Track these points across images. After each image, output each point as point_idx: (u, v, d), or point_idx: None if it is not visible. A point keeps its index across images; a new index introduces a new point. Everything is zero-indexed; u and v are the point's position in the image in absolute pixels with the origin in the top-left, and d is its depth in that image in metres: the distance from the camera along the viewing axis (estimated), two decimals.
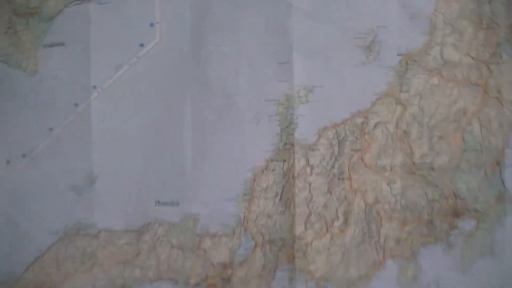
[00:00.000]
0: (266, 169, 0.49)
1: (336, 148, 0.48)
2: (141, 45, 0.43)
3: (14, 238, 0.46)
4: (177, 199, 0.48)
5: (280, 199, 0.47)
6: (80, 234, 0.47)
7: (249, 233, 0.48)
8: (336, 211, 0.47)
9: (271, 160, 0.49)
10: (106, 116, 0.47)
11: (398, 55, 0.41)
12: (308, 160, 0.48)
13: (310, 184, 0.48)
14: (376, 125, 0.46)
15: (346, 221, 0.47)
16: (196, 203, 0.48)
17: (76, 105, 0.46)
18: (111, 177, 0.48)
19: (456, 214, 0.41)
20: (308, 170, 0.48)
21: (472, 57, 0.39)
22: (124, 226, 0.48)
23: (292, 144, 0.48)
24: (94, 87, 0.45)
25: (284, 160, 0.48)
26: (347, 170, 0.47)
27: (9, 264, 0.45)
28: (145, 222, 0.48)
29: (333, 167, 0.48)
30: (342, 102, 0.47)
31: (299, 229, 0.47)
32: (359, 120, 0.47)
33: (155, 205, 0.47)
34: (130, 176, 0.48)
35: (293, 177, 0.49)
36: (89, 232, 0.48)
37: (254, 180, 0.49)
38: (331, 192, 0.48)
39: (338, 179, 0.47)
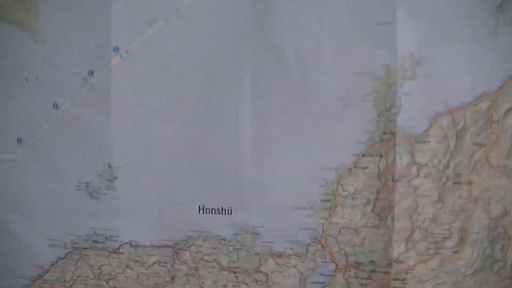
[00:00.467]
0: (355, 167, 0.51)
1: (452, 142, 0.50)
2: None
3: (10, 250, 0.52)
4: (229, 205, 0.53)
5: (373, 209, 0.51)
6: (96, 248, 0.53)
7: (328, 254, 0.52)
8: (449, 226, 0.51)
9: (363, 155, 0.51)
10: (131, 89, 0.50)
11: None
12: (413, 157, 0.51)
13: (415, 190, 0.51)
14: (507, 112, 0.48)
15: (462, 240, 0.50)
16: (255, 211, 0.52)
17: (91, 74, 0.50)
18: (137, 174, 0.52)
19: None
20: (414, 170, 0.51)
21: None
22: (155, 239, 0.53)
23: (393, 134, 0.50)
24: (116, 49, 0.49)
25: (381, 156, 0.50)
26: (466, 171, 0.50)
27: (6, 282, 0.52)
28: (184, 235, 0.53)
29: (447, 167, 0.50)
30: (462, 80, 0.48)
31: (397, 249, 0.50)
32: (485, 105, 0.48)
33: (199, 212, 0.53)
34: (163, 173, 0.52)
35: (392, 179, 0.51)
36: (108, 246, 0.53)
37: (338, 182, 0.52)
38: (443, 201, 0.50)
39: (454, 183, 0.50)
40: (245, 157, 0.52)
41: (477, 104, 0.49)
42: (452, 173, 0.51)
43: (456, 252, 0.50)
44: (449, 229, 0.51)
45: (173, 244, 0.53)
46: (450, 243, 0.50)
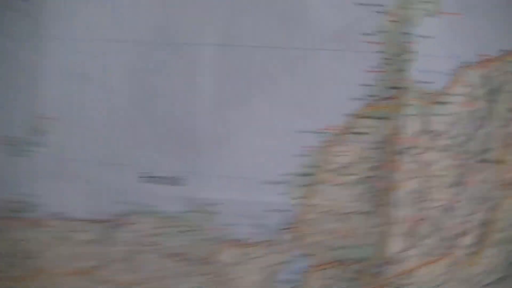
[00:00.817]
0: (347, 132, 0.45)
1: (482, 105, 0.45)
2: None
3: None
4: (180, 173, 0.45)
5: (367, 190, 0.45)
6: (13, 218, 0.47)
7: (304, 245, 0.46)
8: (468, 219, 0.45)
9: (359, 116, 0.45)
10: (65, 22, 0.45)
11: None
12: (428, 122, 0.45)
13: (426, 167, 0.45)
14: None
15: (482, 238, 0.45)
16: (213, 183, 0.45)
17: None
18: (70, 128, 0.46)
19: None
20: (427, 140, 0.45)
21: None
22: (86, 212, 0.46)
23: (403, 90, 0.44)
24: None
25: (384, 118, 0.45)
26: (498, 146, 0.45)
27: None
28: (123, 209, 0.46)
29: (472, 138, 0.45)
30: (503, 22, 0.44)
31: (396, 245, 0.45)
32: None
33: (141, 181, 0.46)
34: (103, 128, 0.45)
35: (397, 151, 0.45)
36: (29, 216, 0.47)
37: (324, 150, 0.46)
38: (463, 184, 0.45)
39: (480, 161, 0.45)
40: (204, 111, 0.47)
41: None
42: (478, 148, 0.45)
43: (473, 253, 0.44)
44: (467, 222, 0.44)
45: (109, 219, 0.46)
46: (466, 241, 0.44)
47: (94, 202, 0.48)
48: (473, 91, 0.45)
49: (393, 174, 0.45)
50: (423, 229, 0.46)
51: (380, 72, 0.45)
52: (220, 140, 0.46)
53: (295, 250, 0.47)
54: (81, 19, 0.47)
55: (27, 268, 0.49)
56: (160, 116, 0.47)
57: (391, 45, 0.45)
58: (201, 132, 0.47)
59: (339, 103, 0.45)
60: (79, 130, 0.48)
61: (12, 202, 0.49)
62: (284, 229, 0.45)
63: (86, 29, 0.47)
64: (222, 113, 0.46)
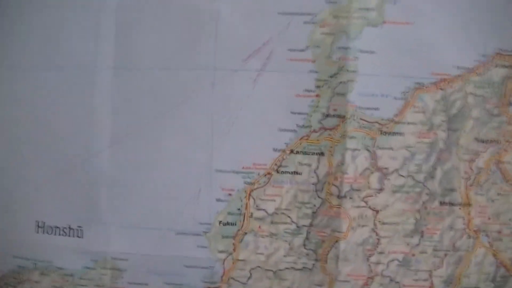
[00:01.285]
0: (277, 171, 0.38)
1: (441, 135, 0.38)
2: None
3: None
4: (78, 223, 0.41)
5: (305, 241, 0.39)
6: None
7: None
8: (430, 275, 0.39)
9: (291, 151, 0.38)
10: None
11: None
12: (376, 158, 0.38)
13: (376, 214, 0.38)
14: None
15: None
16: (116, 234, 0.40)
17: None
18: None
19: None
20: (375, 180, 0.38)
21: None
22: None
23: (342, 118, 0.38)
24: None
25: (321, 154, 0.38)
26: (463, 186, 0.38)
27: None
28: (16, 265, 0.41)
29: (431, 177, 0.38)
30: (462, 32, 0.37)
31: None
32: (498, 73, 0.37)
33: (37, 231, 0.41)
34: None
35: (338, 194, 0.38)
36: None
37: (249, 194, 0.39)
38: (422, 234, 0.38)
39: (442, 204, 0.38)
40: (102, 150, 0.40)
41: (484, 71, 0.37)
42: (439, 188, 0.38)
43: None
44: (428, 279, 0.39)
45: (3, 277, 0.41)
46: None
47: None
48: (429, 118, 0.38)
49: (335, 223, 0.39)
50: None
51: (314, 97, 0.38)
52: (121, 181, 0.40)
53: None
54: None
55: None
56: (54, 153, 0.40)
57: (325, 63, 0.38)
58: (98, 171, 0.40)
59: (265, 135, 0.39)
60: None
61: None
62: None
63: None
64: (121, 148, 0.40)
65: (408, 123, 0.38)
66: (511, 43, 0.37)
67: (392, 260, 0.39)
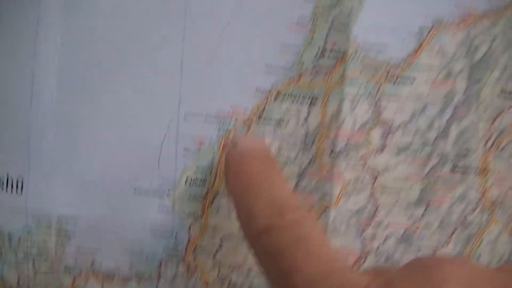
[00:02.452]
0: (259, 118, 0.34)
1: (461, 84, 0.33)
2: None
3: None
4: (17, 173, 0.36)
5: None
6: None
7: (199, 283, 0.37)
8: (435, 251, 0.38)
9: (276, 95, 0.33)
10: None
11: None
12: (379, 108, 0.33)
13: (375, 176, 0.34)
14: None
15: None
16: (62, 188, 0.36)
17: None
18: None
19: None
20: (377, 135, 0.33)
21: None
22: None
23: (343, 55, 0.33)
24: None
25: (313, 99, 0.33)
26: (481, 149, 0.34)
27: None
28: None
29: (445, 135, 0.34)
30: None
31: None
32: None
33: None
34: None
35: (331, 151, 0.34)
36: None
37: (223, 147, 0.34)
38: (428, 203, 0.34)
39: (454, 169, 0.34)
40: (49, 88, 0.35)
41: None
42: (452, 150, 0.33)
43: None
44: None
45: None
46: None
47: None
48: (448, 64, 0.33)
49: (327, 185, 0.34)
50: (370, 265, 0.36)
51: (308, 29, 0.33)
52: (70, 127, 0.35)
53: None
54: None
55: None
56: None
57: None
58: (43, 113, 0.35)
59: (247, 72, 0.33)
60: None
61: None
62: (169, 260, 0.36)
63: None
64: (71, 86, 0.35)
65: (422, 68, 0.33)
66: None
67: (391, 235, 0.35)
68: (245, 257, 0.35)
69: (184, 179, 0.34)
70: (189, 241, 0.35)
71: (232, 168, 0.31)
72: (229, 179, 0.31)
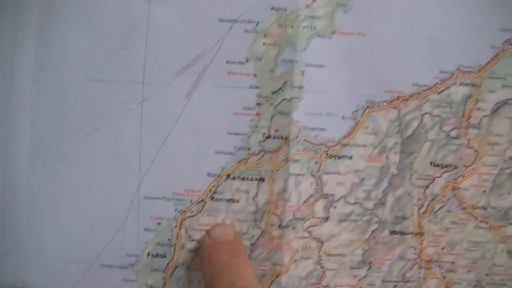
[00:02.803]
0: (212, 198, 0.36)
1: (394, 158, 0.36)
2: None
3: None
4: None
5: None
6: None
7: None
8: None
9: (227, 176, 0.36)
10: None
11: None
12: (321, 183, 0.36)
13: (320, 245, 0.36)
14: (500, 107, 0.36)
15: None
16: (34, 263, 0.38)
17: None
18: None
19: None
20: (321, 207, 0.36)
21: None
22: None
23: (285, 140, 0.35)
24: None
25: (260, 180, 0.36)
26: (416, 214, 0.37)
27: None
28: None
29: (382, 204, 0.36)
30: (421, 47, 0.35)
31: None
32: (460, 92, 0.35)
33: None
34: None
35: (280, 224, 0.36)
36: None
37: (180, 223, 0.36)
38: (370, 265, 0.37)
39: (392, 233, 0.37)
40: (20, 172, 0.36)
41: (444, 89, 0.36)
42: (390, 216, 0.37)
43: None
44: None
45: None
46: None
47: None
48: (381, 140, 0.36)
49: (276, 255, 0.36)
50: None
51: (254, 116, 0.36)
52: (41, 208, 0.36)
53: None
54: None
55: None
56: None
57: (267, 78, 0.35)
58: (15, 196, 0.37)
59: (198, 158, 0.36)
60: None
61: None
62: None
63: None
64: (41, 171, 0.36)
65: (358, 146, 0.36)
66: (473, 59, 0.35)
67: None
68: None
69: (146, 254, 0.36)
70: None
71: (205, 255, 0.34)
72: (202, 264, 0.34)
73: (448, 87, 0.35)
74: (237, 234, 0.35)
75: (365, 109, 0.35)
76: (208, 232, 0.34)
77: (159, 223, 0.35)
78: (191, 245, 0.36)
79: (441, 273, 0.37)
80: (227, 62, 0.34)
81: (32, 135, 0.36)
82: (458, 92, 0.35)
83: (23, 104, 0.35)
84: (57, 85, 0.35)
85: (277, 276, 0.36)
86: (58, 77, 0.35)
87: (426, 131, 0.36)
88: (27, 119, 0.36)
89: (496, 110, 0.36)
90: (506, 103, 0.36)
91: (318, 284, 0.37)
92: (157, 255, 0.36)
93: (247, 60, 0.34)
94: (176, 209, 0.35)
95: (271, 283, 0.36)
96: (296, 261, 0.36)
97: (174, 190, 0.35)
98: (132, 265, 0.36)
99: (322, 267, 0.36)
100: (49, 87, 0.35)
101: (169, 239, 0.36)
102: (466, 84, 0.35)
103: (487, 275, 0.37)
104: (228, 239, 0.34)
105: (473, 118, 0.36)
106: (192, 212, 0.35)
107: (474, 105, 0.36)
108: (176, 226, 0.35)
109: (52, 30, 0.35)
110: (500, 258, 0.37)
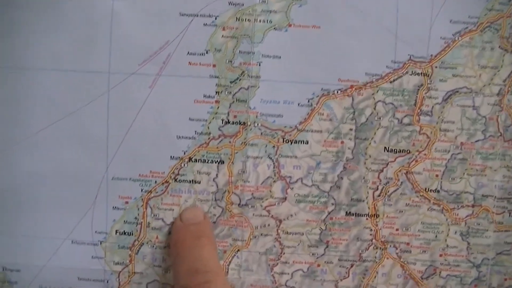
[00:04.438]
0: (175, 180, 0.40)
1: (348, 144, 0.40)
2: None
3: None
4: None
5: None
6: None
7: None
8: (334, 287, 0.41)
9: (189, 159, 0.40)
10: None
11: None
12: (278, 166, 0.40)
13: (279, 223, 0.41)
14: (451, 96, 0.40)
15: None
16: (11, 243, 0.42)
17: None
18: None
19: None
20: (278, 189, 0.40)
21: None
22: None
23: (243, 125, 0.39)
24: None
25: (220, 162, 0.40)
26: (370, 196, 0.40)
27: None
28: None
29: (337, 187, 0.40)
30: (373, 33, 0.39)
31: None
32: (412, 81, 0.40)
33: None
34: None
35: (239, 203, 0.41)
36: None
37: (146, 202, 0.40)
38: (327, 244, 0.41)
39: (348, 215, 0.41)
40: None
41: (396, 78, 0.40)
42: (345, 198, 0.41)
43: None
44: None
45: None
46: None
47: None
48: (336, 126, 0.40)
49: (237, 232, 0.41)
50: None
51: (213, 103, 0.40)
52: (12, 190, 0.41)
53: None
54: None
55: None
56: None
57: (226, 68, 0.39)
58: None
59: (162, 142, 0.40)
60: None
61: None
62: None
63: None
64: (9, 156, 0.40)
65: (314, 131, 0.39)
66: (424, 50, 0.38)
67: (297, 270, 0.41)
68: None
69: (114, 232, 0.40)
70: (119, 287, 0.40)
71: (173, 237, 0.38)
72: (170, 245, 0.38)
73: (400, 77, 0.38)
74: (207, 217, 0.39)
75: (320, 97, 0.38)
76: (179, 214, 0.38)
77: (126, 202, 0.39)
78: (156, 223, 0.39)
79: (397, 253, 0.41)
80: (188, 54, 0.38)
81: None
82: (410, 81, 0.39)
83: None
84: (22, 76, 0.39)
85: (238, 251, 0.40)
86: (23, 67, 0.38)
87: (379, 118, 0.39)
88: None
89: (447, 98, 0.39)
90: (457, 91, 0.39)
91: (277, 260, 0.40)
92: (124, 233, 0.40)
93: (207, 52, 0.38)
94: (142, 190, 0.39)
95: (232, 258, 0.40)
96: (256, 237, 0.40)
97: (140, 172, 0.39)
98: (101, 242, 0.40)
99: (280, 244, 0.40)
100: (14, 77, 0.39)
101: (135, 218, 0.39)
102: (417, 74, 0.39)
103: (441, 255, 0.41)
104: (196, 221, 0.38)
105: (425, 105, 0.39)
106: (157, 192, 0.39)
107: (426, 93, 0.39)
108: (142, 206, 0.39)
109: (18, 19, 0.38)
110: (453, 240, 0.41)
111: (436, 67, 0.39)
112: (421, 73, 0.39)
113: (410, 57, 0.39)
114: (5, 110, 0.39)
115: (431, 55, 0.39)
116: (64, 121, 0.39)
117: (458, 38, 0.39)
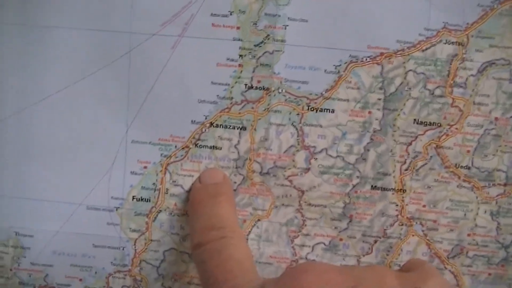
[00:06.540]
0: (196, 145, 0.42)
1: (376, 114, 0.41)
2: None
3: None
4: None
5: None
6: None
7: (144, 287, 0.39)
8: (356, 262, 0.43)
9: (210, 124, 0.42)
10: None
11: None
12: (302, 135, 0.42)
13: (301, 194, 0.42)
14: (486, 67, 0.41)
15: None
16: (21, 207, 0.43)
17: None
18: None
19: None
20: (301, 158, 0.42)
21: None
22: None
23: (267, 90, 0.41)
24: None
25: (242, 128, 0.41)
26: (397, 170, 0.42)
27: None
28: None
29: (363, 159, 0.41)
30: (397, 4, 0.40)
31: None
32: (446, 50, 0.40)
33: None
34: None
35: (261, 171, 0.42)
36: None
37: (165, 168, 0.42)
38: (351, 218, 0.42)
39: (373, 188, 0.42)
40: (7, 115, 0.43)
41: (429, 47, 0.41)
42: (371, 172, 0.42)
43: None
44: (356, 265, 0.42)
45: None
46: None
47: None
48: (364, 96, 0.41)
49: (257, 201, 0.42)
50: None
51: (236, 67, 0.41)
52: (26, 150, 0.42)
53: None
54: None
55: None
56: None
57: (250, 31, 0.41)
58: (3, 138, 0.42)
59: (183, 106, 0.41)
60: None
61: None
62: (117, 272, 0.43)
63: None
64: (27, 115, 0.42)
65: (340, 100, 0.40)
66: (460, 17, 0.39)
67: (318, 244, 0.42)
68: (186, 269, 0.42)
69: (131, 197, 0.41)
70: (135, 254, 0.42)
71: (191, 197, 0.39)
72: (188, 206, 0.39)
73: (434, 45, 0.39)
74: (227, 177, 0.40)
75: (348, 64, 0.39)
76: (199, 176, 0.40)
77: (145, 167, 0.41)
78: (174, 190, 0.41)
79: (423, 231, 0.42)
80: (211, 15, 0.39)
81: (19, 82, 0.42)
82: (444, 50, 0.39)
83: (9, 53, 0.41)
84: (41, 34, 0.40)
85: (258, 220, 0.41)
86: (43, 25, 0.40)
87: (409, 89, 0.40)
88: (13, 69, 0.41)
89: (483, 70, 0.39)
90: (493, 63, 0.39)
91: (298, 232, 0.42)
92: (141, 199, 0.41)
93: (231, 13, 0.39)
94: (161, 154, 0.41)
95: (252, 227, 0.41)
96: (277, 207, 0.41)
97: (160, 136, 0.41)
98: (117, 208, 0.41)
99: (302, 216, 0.41)
100: (34, 36, 0.40)
101: (154, 183, 0.41)
102: (452, 43, 0.39)
103: (468, 235, 0.41)
104: (215, 182, 0.39)
105: (458, 77, 0.39)
106: (176, 158, 0.41)
107: (460, 64, 0.39)
108: (161, 171, 0.41)
109: None
110: (482, 219, 0.41)
111: (472, 36, 0.39)
112: (456, 42, 0.40)
113: (444, 25, 0.39)
114: (24, 69, 0.40)
115: (467, 23, 0.39)
116: (84, 81, 0.40)
117: (497, 6, 0.39)
